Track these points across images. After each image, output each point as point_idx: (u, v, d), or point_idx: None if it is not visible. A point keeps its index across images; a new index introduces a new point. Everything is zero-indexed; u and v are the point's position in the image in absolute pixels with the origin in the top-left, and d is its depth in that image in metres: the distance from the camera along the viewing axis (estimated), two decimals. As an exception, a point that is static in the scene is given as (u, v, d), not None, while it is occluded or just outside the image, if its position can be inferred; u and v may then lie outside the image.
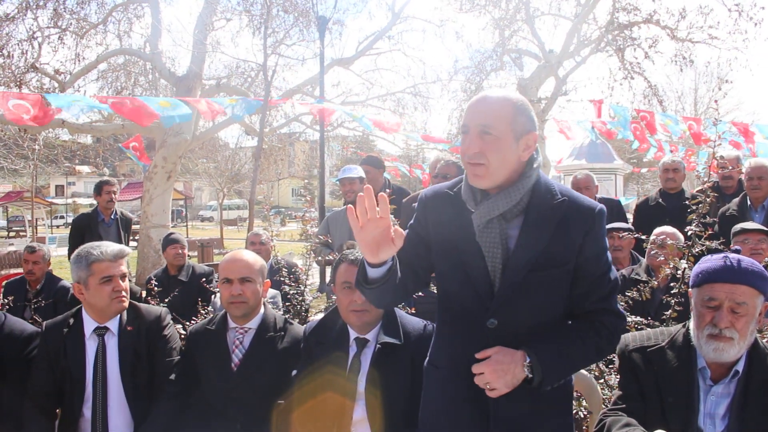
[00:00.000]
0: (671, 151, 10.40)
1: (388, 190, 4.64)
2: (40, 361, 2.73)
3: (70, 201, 34.94)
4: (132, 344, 2.72)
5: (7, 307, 4.27)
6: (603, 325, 1.80)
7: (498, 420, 1.80)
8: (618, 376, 2.25)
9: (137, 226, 13.16)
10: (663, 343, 2.11)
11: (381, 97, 15.87)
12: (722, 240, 2.90)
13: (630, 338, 2.20)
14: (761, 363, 2.00)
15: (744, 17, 12.10)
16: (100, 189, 6.52)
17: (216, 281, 4.99)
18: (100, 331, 2.71)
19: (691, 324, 2.07)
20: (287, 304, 3.68)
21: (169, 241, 5.48)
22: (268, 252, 4.74)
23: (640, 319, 2.91)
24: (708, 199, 2.97)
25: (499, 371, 1.69)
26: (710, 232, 2.95)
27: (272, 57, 11.53)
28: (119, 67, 14.54)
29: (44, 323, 2.84)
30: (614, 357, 2.45)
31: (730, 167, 5.54)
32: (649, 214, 5.45)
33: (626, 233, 4.25)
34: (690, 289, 2.09)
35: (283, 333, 2.75)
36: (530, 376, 1.70)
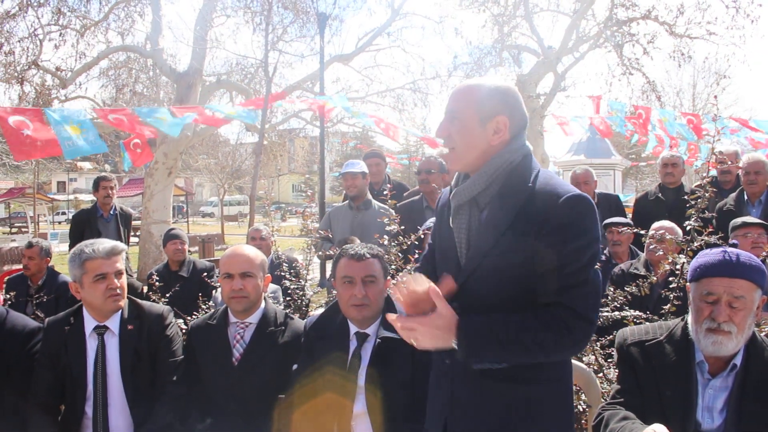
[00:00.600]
0: (671, 147, 10.40)
1: (388, 185, 4.67)
2: (42, 358, 2.72)
3: (71, 197, 34.97)
4: (133, 344, 2.70)
5: (9, 302, 4.29)
6: (554, 319, 1.65)
7: (455, 401, 1.83)
8: (617, 370, 2.27)
9: (138, 222, 13.17)
10: (661, 337, 2.12)
11: (380, 94, 15.87)
12: (720, 234, 2.91)
13: (628, 332, 2.22)
14: (759, 357, 2.01)
15: (741, 14, 12.10)
16: (97, 185, 6.55)
17: (217, 276, 5.01)
18: (100, 330, 2.69)
19: (690, 318, 2.08)
20: (288, 298, 3.69)
21: (170, 237, 5.50)
22: (269, 247, 4.76)
23: (639, 314, 2.92)
24: (707, 194, 2.98)
25: (431, 333, 1.67)
26: (711, 230, 2.96)
27: (272, 53, 11.52)
28: (121, 64, 14.53)
29: (46, 320, 2.84)
30: (613, 351, 2.47)
31: (729, 162, 5.56)
32: (648, 209, 5.46)
33: (625, 228, 4.27)
34: (688, 284, 2.10)
35: (283, 328, 2.76)
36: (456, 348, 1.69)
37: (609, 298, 3.08)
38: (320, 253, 4.25)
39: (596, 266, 1.75)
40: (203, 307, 3.61)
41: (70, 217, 8.06)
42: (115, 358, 2.68)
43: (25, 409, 2.66)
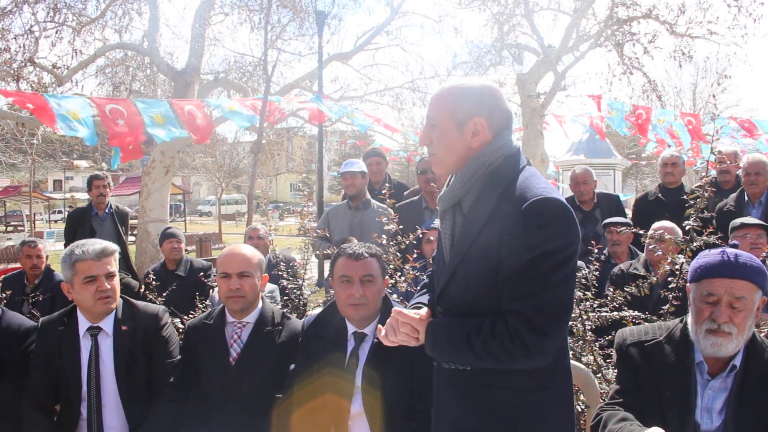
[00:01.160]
0: (670, 146, 10.39)
1: (387, 185, 4.66)
2: (37, 358, 2.70)
3: (68, 196, 34.86)
4: (127, 345, 2.67)
5: (5, 301, 4.27)
6: (505, 327, 1.61)
7: (439, 399, 1.90)
8: (615, 371, 2.26)
9: (135, 221, 13.14)
10: (661, 338, 2.11)
11: (379, 93, 15.84)
12: (720, 235, 2.90)
13: (628, 333, 2.21)
14: (758, 357, 2.01)
15: (743, 13, 12.09)
16: (90, 184, 6.52)
17: (214, 275, 4.99)
18: (93, 331, 2.67)
19: (689, 318, 2.07)
20: (285, 298, 3.68)
21: (166, 236, 5.48)
22: (266, 246, 4.75)
23: (638, 314, 2.91)
24: (706, 194, 2.97)
25: (411, 339, 1.77)
26: (711, 230, 2.95)
27: (271, 51, 11.49)
28: (117, 62, 14.49)
29: (40, 319, 2.81)
30: (612, 351, 2.45)
31: (728, 162, 5.55)
32: (648, 209, 5.45)
33: (624, 228, 4.26)
34: (688, 284, 2.09)
35: (281, 327, 2.75)
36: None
37: (608, 298, 3.08)
38: (318, 252, 4.23)
39: (571, 271, 1.66)
40: (200, 306, 3.60)
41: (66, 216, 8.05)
42: (110, 359, 2.66)
43: (21, 408, 2.64)
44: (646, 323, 2.34)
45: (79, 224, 6.37)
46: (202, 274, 5.00)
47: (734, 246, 2.11)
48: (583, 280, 3.05)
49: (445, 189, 1.84)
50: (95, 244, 2.65)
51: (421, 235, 3.65)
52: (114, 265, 2.69)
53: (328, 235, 4.72)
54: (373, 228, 4.26)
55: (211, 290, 4.31)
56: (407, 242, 3.50)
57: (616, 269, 4.19)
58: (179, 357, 2.80)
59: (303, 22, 13.19)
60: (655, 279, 3.16)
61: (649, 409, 2.04)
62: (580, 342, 2.92)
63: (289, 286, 3.64)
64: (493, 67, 15.05)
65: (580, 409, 2.69)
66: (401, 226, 3.54)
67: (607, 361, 2.89)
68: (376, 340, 2.40)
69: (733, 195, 5.02)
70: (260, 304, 2.79)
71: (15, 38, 11.17)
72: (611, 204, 5.54)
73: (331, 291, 2.68)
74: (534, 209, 1.60)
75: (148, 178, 11.26)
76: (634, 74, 12.86)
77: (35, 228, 25.32)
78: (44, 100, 6.51)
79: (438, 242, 1.95)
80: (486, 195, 1.72)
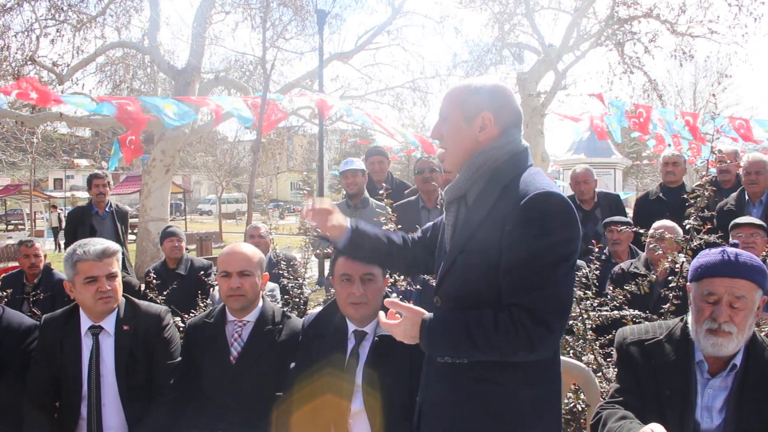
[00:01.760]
0: (669, 145, 10.39)
1: (384, 185, 4.66)
2: (38, 356, 2.70)
3: (68, 194, 34.85)
4: (128, 345, 2.67)
5: (5, 300, 4.27)
6: (510, 320, 1.61)
7: (428, 392, 1.92)
8: (616, 369, 2.26)
9: (135, 220, 13.14)
10: (661, 337, 2.11)
11: (380, 92, 15.85)
12: (720, 234, 2.90)
13: (628, 331, 2.21)
14: (759, 357, 2.01)
15: (744, 12, 12.09)
16: (90, 182, 6.53)
17: (214, 274, 4.99)
18: (95, 330, 2.67)
19: (689, 317, 2.07)
20: (286, 297, 3.68)
21: (166, 234, 5.48)
22: (267, 245, 4.75)
23: (639, 313, 2.91)
24: (706, 193, 2.97)
25: (404, 332, 1.77)
26: (709, 227, 2.95)
27: (271, 51, 11.49)
28: (118, 60, 14.48)
29: (43, 317, 2.81)
30: (612, 350, 2.45)
31: (728, 161, 5.55)
32: (649, 209, 5.45)
33: (625, 227, 4.26)
34: (688, 283, 2.09)
35: (281, 326, 2.75)
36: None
37: (609, 297, 3.07)
38: (318, 251, 4.23)
39: (570, 269, 1.68)
40: (201, 305, 3.60)
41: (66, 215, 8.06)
42: (110, 358, 2.65)
43: (21, 407, 2.64)
44: (647, 322, 2.33)
45: (80, 223, 6.39)
46: (202, 272, 5.00)
47: (735, 245, 2.11)
48: (584, 279, 3.04)
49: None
50: (97, 245, 2.64)
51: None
52: (116, 266, 2.68)
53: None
54: (371, 226, 4.25)
55: (211, 289, 4.31)
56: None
57: (616, 268, 4.19)
58: (180, 359, 2.80)
59: (304, 21, 13.19)
60: (655, 277, 3.16)
61: (649, 408, 2.04)
62: (581, 341, 2.92)
63: (290, 284, 3.64)
64: (493, 66, 15.06)
65: (580, 408, 2.69)
66: (399, 226, 3.54)
67: (608, 360, 2.89)
68: (376, 338, 2.40)
69: (734, 194, 5.02)
70: (261, 303, 2.79)
71: (15, 36, 11.17)
72: (611, 203, 5.53)
73: (332, 289, 2.68)
74: (535, 203, 1.63)
75: (149, 177, 11.27)
76: (634, 73, 12.86)
77: (36, 227, 25.31)
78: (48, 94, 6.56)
79: (441, 233, 1.99)
80: (489, 189, 1.76)
